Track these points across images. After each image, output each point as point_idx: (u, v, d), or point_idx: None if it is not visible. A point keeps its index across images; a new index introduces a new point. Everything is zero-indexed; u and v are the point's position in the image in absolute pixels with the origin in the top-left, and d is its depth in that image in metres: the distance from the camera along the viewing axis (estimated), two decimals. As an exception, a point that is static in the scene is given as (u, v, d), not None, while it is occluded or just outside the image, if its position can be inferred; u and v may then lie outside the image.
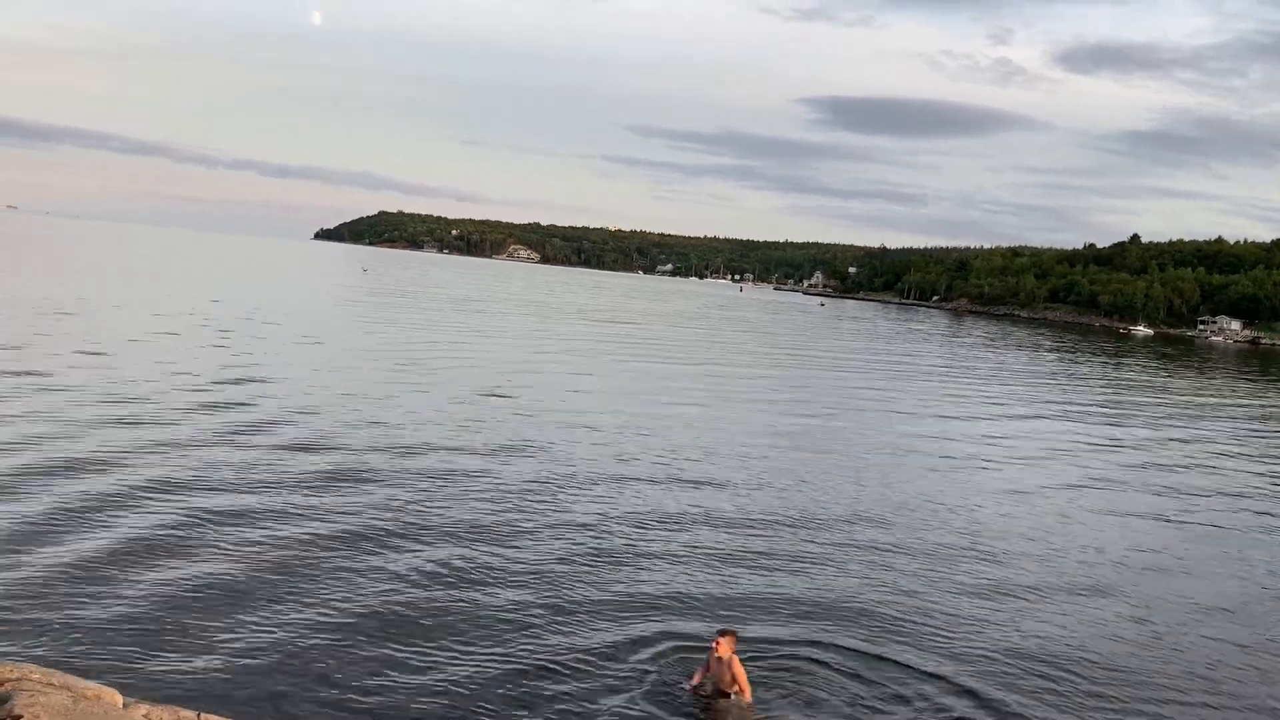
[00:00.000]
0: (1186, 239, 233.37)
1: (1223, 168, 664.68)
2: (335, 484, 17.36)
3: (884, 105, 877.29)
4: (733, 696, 10.23)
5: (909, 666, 11.60)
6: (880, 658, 11.78)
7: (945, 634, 12.82)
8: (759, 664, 11.07)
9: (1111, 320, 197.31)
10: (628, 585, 13.56)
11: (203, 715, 6.55)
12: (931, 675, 11.41)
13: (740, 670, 10.29)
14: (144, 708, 6.18)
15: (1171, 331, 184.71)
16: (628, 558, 14.77)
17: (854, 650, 11.92)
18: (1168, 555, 18.24)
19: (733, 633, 10.57)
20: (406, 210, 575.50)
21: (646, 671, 10.86)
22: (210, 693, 9.27)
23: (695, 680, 10.51)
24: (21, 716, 5.29)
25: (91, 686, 6.07)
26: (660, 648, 11.46)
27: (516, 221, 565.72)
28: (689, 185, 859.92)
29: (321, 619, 11.44)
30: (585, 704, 10.02)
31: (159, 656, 10.02)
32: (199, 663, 9.97)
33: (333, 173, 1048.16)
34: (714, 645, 10.40)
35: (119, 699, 6.05)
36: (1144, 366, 78.89)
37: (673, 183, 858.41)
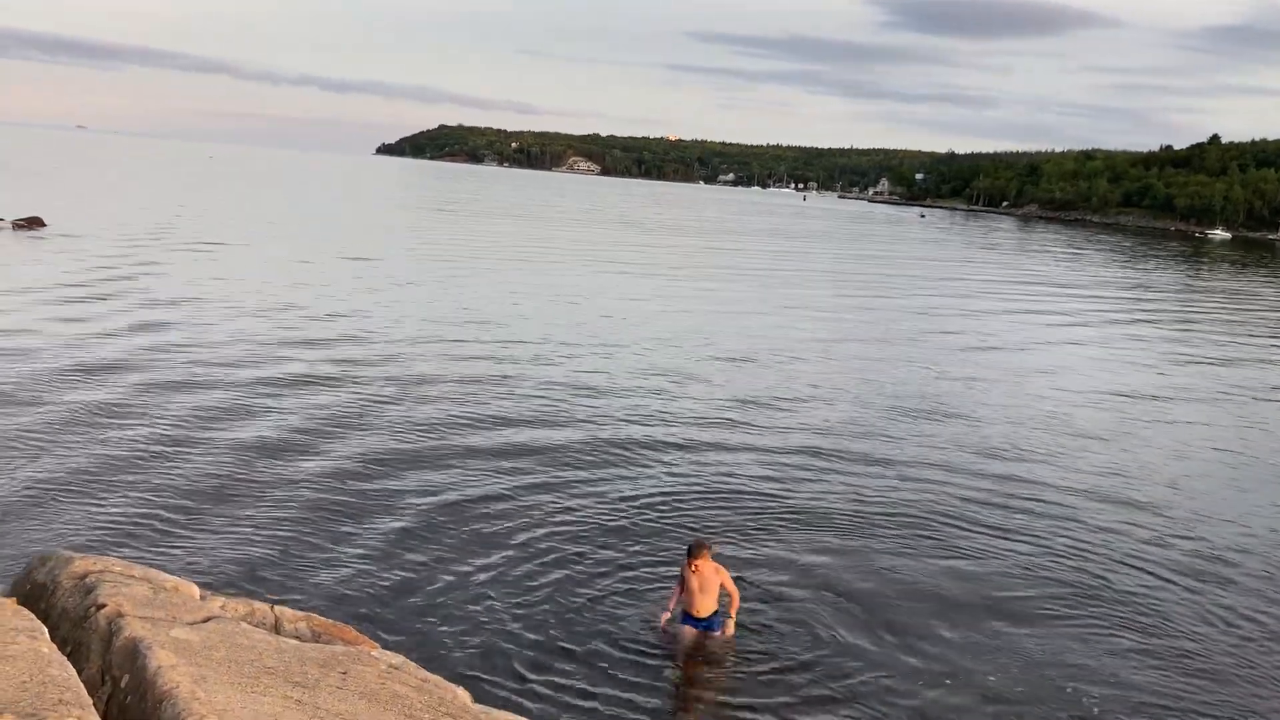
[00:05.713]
0: (1270, 138, 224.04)
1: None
2: (394, 394, 17.68)
3: (953, 4, 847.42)
4: (716, 632, 8.97)
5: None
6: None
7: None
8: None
9: (1188, 224, 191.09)
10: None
11: (277, 608, 6.75)
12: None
13: (730, 582, 9.06)
14: (220, 599, 6.37)
15: (1251, 235, 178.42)
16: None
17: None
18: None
19: (707, 544, 9.08)
20: (466, 124, 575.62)
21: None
22: (285, 587, 9.58)
23: (667, 617, 9.09)
24: (106, 605, 5.51)
25: (170, 579, 6.26)
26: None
27: (575, 133, 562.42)
28: (752, 92, 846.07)
29: (398, 526, 11.70)
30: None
31: (235, 554, 10.36)
32: (274, 559, 10.29)
33: (393, 87, 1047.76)
34: (689, 565, 8.93)
35: (196, 591, 6.24)
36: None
37: (735, 90, 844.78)
